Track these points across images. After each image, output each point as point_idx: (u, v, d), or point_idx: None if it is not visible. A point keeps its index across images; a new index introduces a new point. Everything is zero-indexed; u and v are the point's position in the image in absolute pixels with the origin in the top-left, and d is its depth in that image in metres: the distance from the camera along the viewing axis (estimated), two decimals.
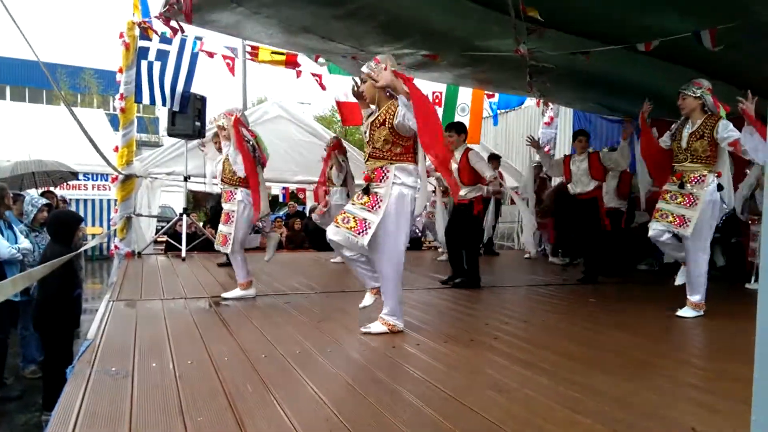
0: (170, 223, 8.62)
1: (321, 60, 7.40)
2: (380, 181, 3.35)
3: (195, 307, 4.20)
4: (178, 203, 9.76)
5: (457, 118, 9.15)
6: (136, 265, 6.61)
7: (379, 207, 3.29)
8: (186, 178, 7.60)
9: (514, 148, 13.08)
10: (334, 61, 7.16)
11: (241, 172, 4.42)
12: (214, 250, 8.03)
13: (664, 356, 3.14)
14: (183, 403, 2.17)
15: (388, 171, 3.34)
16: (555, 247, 8.35)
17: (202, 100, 7.36)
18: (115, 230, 7.53)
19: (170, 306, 4.19)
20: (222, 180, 4.73)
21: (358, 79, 3.55)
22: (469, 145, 5.59)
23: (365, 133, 3.45)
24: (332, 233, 3.36)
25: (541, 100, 9.61)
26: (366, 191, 3.37)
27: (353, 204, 3.40)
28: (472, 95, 9.63)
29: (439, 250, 8.38)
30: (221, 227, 4.62)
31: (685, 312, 4.20)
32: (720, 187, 4.10)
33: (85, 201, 13.60)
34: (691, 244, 4.12)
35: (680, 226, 4.10)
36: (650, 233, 4.26)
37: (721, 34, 4.18)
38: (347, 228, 3.29)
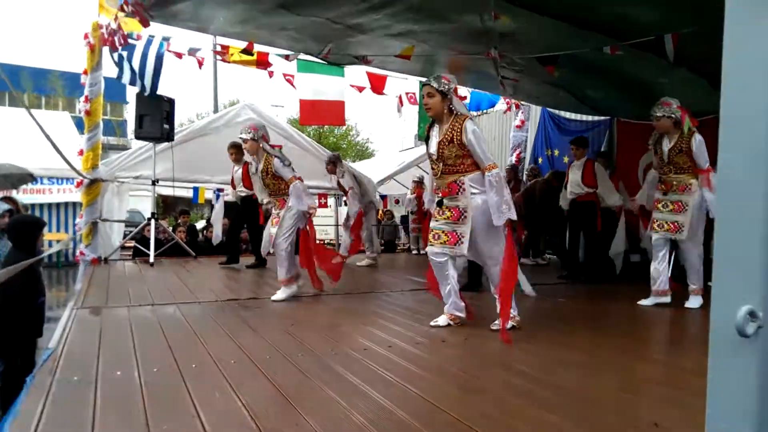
0: (138, 228, 8.45)
1: (296, 58, 7.30)
2: (457, 194, 3.60)
3: (163, 313, 4.11)
4: (148, 208, 9.55)
5: None
6: (102, 272, 6.45)
7: (465, 218, 3.57)
8: (154, 182, 7.45)
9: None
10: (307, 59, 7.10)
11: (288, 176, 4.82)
12: (183, 255, 7.95)
13: (630, 353, 3.20)
14: (148, 411, 2.12)
15: (462, 183, 3.59)
16: (526, 248, 8.45)
17: (171, 102, 7.23)
18: (80, 236, 7.34)
19: (137, 313, 4.10)
20: (269, 194, 5.03)
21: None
22: None
23: (434, 152, 3.66)
24: (434, 253, 3.70)
25: (512, 102, 9.72)
26: (440, 204, 3.68)
27: (437, 221, 3.72)
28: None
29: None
30: (271, 229, 4.92)
31: (692, 303, 4.45)
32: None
33: (50, 206, 13.24)
34: (689, 243, 4.45)
35: (676, 232, 4.46)
36: (653, 240, 4.60)
37: (689, 32, 4.34)
38: (442, 243, 3.65)
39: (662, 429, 1.99)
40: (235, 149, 7.01)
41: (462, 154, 3.56)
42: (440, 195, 3.70)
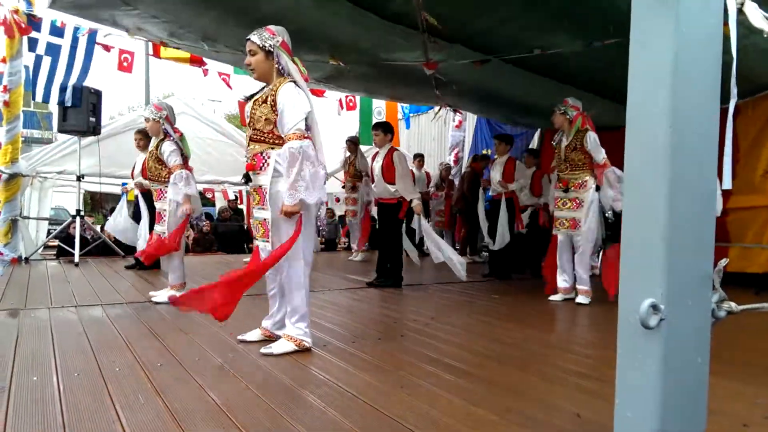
0: (62, 226, 8.01)
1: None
2: (260, 169, 2.91)
3: (87, 315, 3.91)
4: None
5: (375, 120, 9.24)
6: (22, 272, 6.08)
7: (263, 202, 2.91)
8: (79, 178, 7.07)
9: (426, 151, 13.36)
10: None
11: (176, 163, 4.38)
12: (111, 254, 7.61)
13: (555, 346, 3.33)
14: (65, 417, 2.02)
15: (268, 157, 2.87)
16: (463, 245, 8.63)
17: (98, 94, 6.89)
18: None
19: (58, 315, 3.89)
20: (149, 178, 4.61)
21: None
22: (395, 146, 5.68)
23: (247, 113, 2.95)
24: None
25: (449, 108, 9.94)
26: (248, 180, 2.97)
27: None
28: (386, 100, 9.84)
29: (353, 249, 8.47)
30: (156, 227, 4.51)
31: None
32: (598, 188, 4.74)
33: None
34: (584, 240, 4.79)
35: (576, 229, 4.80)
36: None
37: (598, 52, 4.63)
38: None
39: (584, 419, 2.08)
40: (142, 135, 6.25)
41: (274, 120, 2.83)
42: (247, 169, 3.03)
